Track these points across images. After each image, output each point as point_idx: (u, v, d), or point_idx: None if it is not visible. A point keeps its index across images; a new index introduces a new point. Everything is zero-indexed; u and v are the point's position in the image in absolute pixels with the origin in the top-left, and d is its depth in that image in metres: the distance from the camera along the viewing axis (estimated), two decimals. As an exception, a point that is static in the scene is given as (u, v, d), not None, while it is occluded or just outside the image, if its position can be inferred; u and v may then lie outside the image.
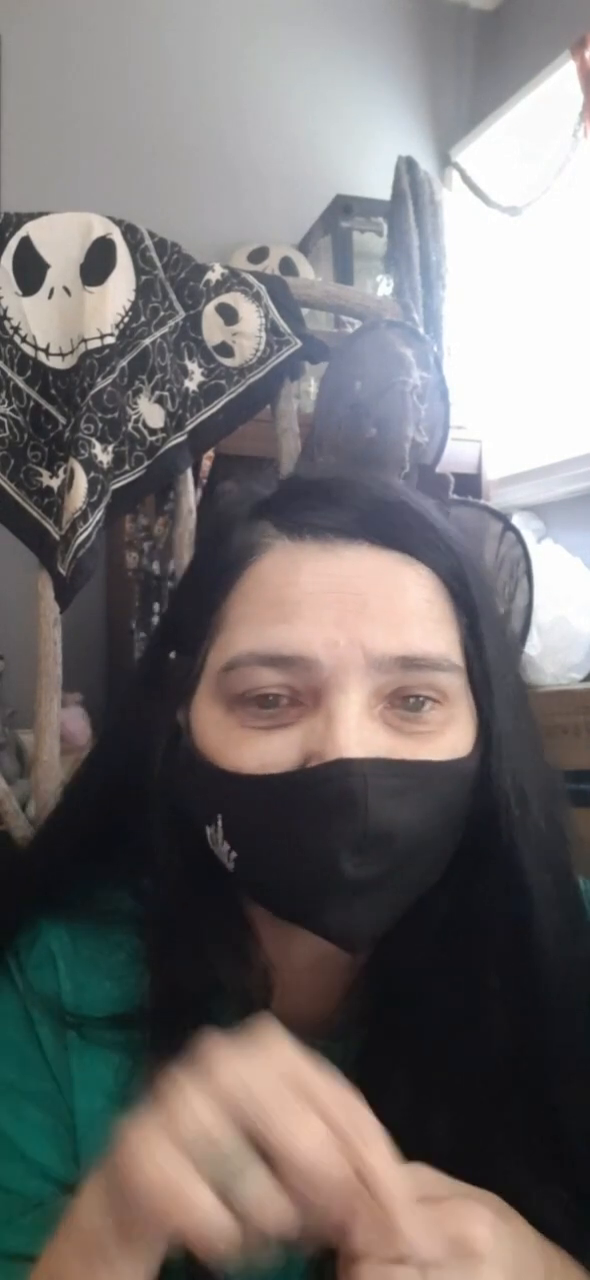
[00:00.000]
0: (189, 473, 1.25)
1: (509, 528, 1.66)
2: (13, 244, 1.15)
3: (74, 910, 0.59)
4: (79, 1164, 0.53)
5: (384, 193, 2.25)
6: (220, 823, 0.52)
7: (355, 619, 0.50)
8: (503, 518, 1.69)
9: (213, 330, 1.24)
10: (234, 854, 0.52)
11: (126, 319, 1.17)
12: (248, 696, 0.51)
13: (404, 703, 0.51)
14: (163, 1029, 0.53)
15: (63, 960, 0.57)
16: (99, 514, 1.13)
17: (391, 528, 0.53)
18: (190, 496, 1.24)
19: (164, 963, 0.55)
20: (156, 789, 0.56)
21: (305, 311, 1.31)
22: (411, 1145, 0.43)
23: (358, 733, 0.48)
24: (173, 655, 0.57)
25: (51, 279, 1.16)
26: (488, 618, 0.55)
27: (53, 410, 1.17)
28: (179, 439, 1.22)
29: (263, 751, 0.50)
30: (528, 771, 0.55)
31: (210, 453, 1.69)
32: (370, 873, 0.48)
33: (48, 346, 1.16)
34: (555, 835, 0.56)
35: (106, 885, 0.60)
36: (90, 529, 1.12)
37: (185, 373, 1.22)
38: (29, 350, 1.16)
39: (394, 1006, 0.55)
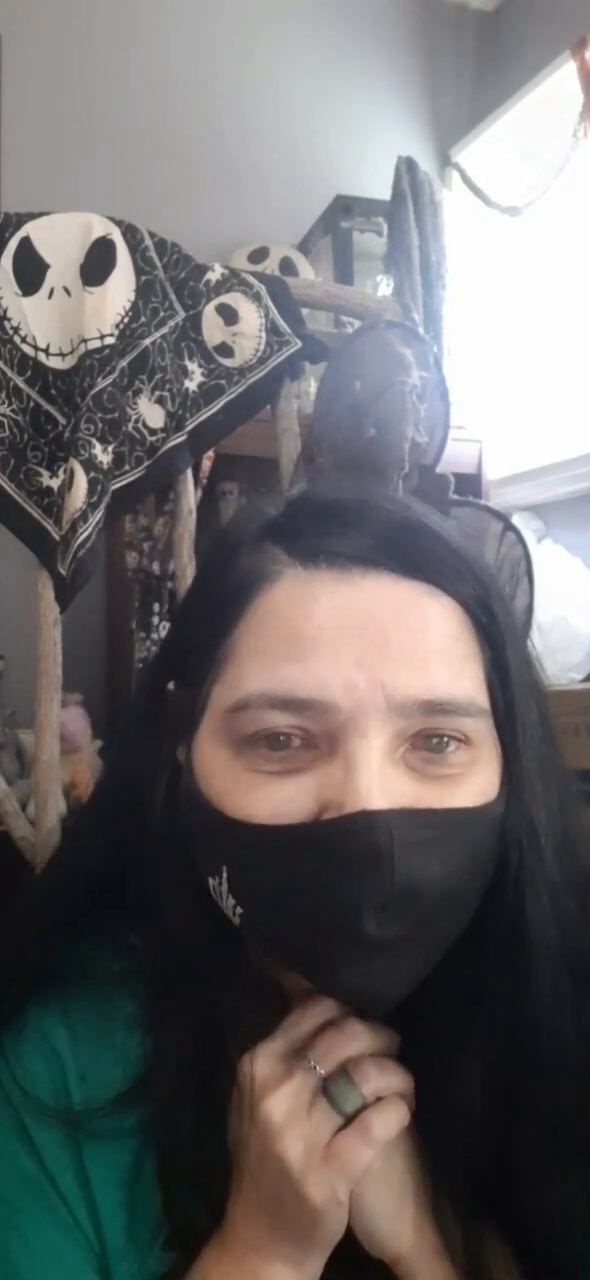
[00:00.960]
0: (189, 473, 1.25)
1: (509, 528, 1.66)
2: (13, 244, 1.15)
3: (63, 982, 0.54)
4: (108, 1258, 0.50)
5: (384, 193, 2.25)
6: (225, 874, 0.48)
7: (376, 658, 0.46)
8: (503, 518, 1.69)
9: (213, 330, 1.24)
10: (240, 910, 0.48)
11: (126, 319, 1.17)
12: (258, 737, 0.47)
13: (427, 744, 0.47)
14: (171, 1095, 0.50)
15: (64, 1054, 0.53)
16: (99, 514, 1.13)
17: (413, 554, 0.49)
18: (190, 496, 1.24)
19: (167, 1022, 0.52)
20: (157, 833, 0.52)
21: (305, 311, 1.31)
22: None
23: (380, 780, 0.45)
24: (171, 686, 0.53)
25: (51, 279, 1.16)
26: (513, 648, 0.51)
27: (53, 410, 1.17)
28: (179, 439, 1.22)
29: (275, 799, 0.46)
30: (547, 815, 0.51)
31: (210, 453, 1.69)
32: (395, 932, 0.44)
33: (48, 347, 1.16)
34: (574, 883, 0.52)
35: (90, 944, 0.56)
36: (90, 529, 1.12)
37: (185, 373, 1.22)
38: (29, 350, 1.16)
39: (402, 1053, 0.53)
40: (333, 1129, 0.47)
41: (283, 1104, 0.47)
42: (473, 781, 0.48)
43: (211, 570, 0.54)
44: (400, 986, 0.47)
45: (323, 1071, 0.48)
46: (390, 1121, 0.48)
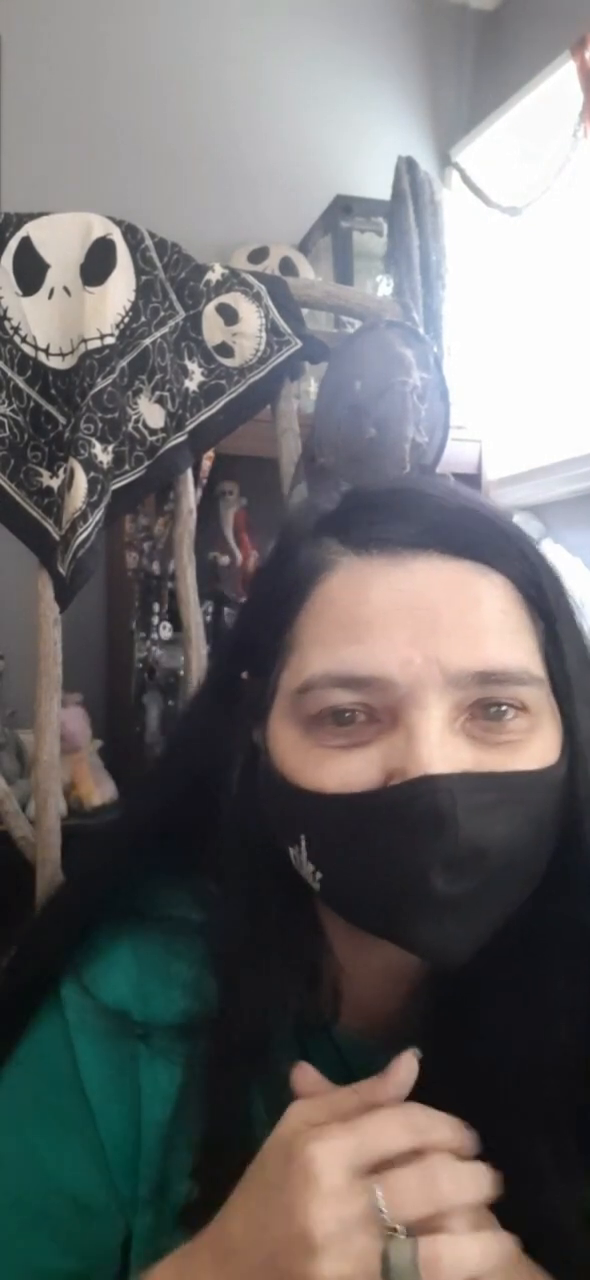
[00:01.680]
0: (189, 473, 1.25)
1: (509, 527, 1.66)
2: (13, 244, 1.15)
3: (135, 918, 0.58)
4: (138, 1176, 0.54)
5: (384, 193, 2.25)
6: (303, 843, 0.51)
7: (429, 635, 0.48)
8: (503, 518, 1.69)
9: (213, 330, 1.24)
10: (319, 874, 0.51)
11: (126, 319, 1.17)
12: (323, 715, 0.50)
13: (486, 713, 0.49)
14: (227, 1041, 0.53)
15: (129, 972, 0.56)
16: (99, 514, 1.13)
17: (461, 535, 0.51)
18: (190, 496, 1.24)
19: (232, 978, 0.55)
20: (233, 809, 0.56)
21: (305, 311, 1.31)
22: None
23: (441, 748, 0.47)
24: (245, 676, 0.57)
25: (51, 279, 1.16)
26: (566, 622, 0.54)
27: (53, 410, 1.17)
28: (179, 439, 1.22)
29: (344, 770, 0.49)
30: None
31: (210, 453, 1.69)
32: (463, 889, 0.47)
33: (48, 346, 1.16)
34: None
35: (166, 889, 0.59)
36: (90, 529, 1.12)
37: (185, 373, 1.22)
38: (29, 350, 1.16)
39: (451, 1015, 0.54)
40: None
41: (328, 1222, 0.42)
42: (532, 746, 0.50)
43: (274, 566, 0.58)
44: (472, 941, 0.49)
45: (388, 1218, 0.42)
46: None
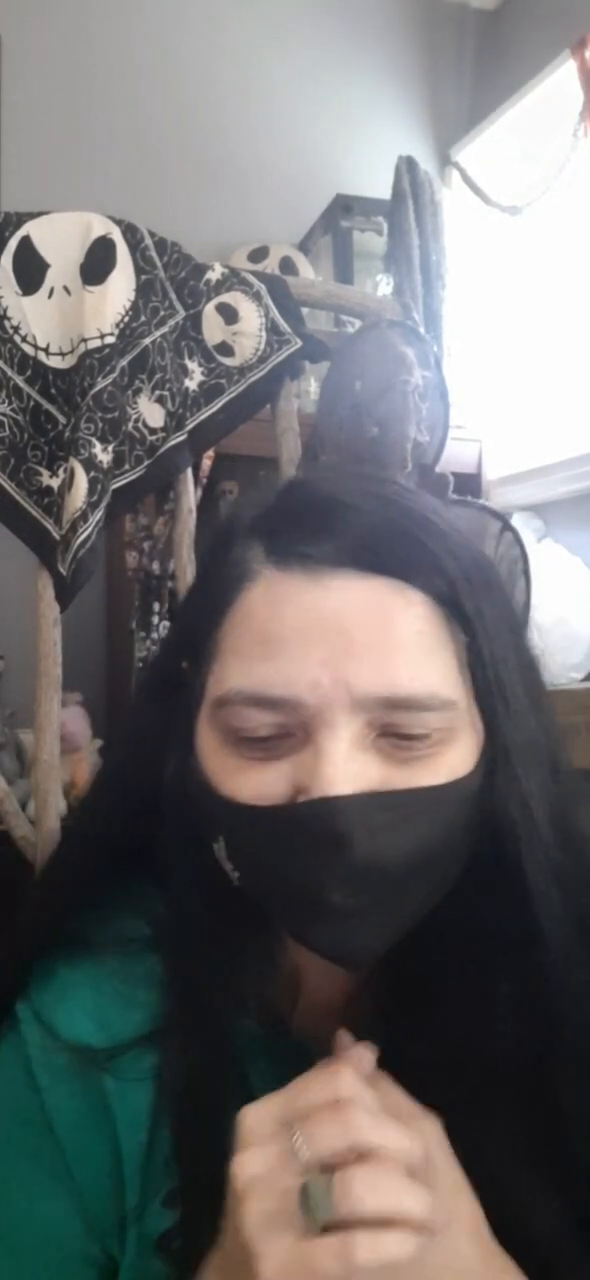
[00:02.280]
0: (189, 472, 1.25)
1: (507, 527, 1.66)
2: (13, 244, 1.15)
3: (88, 948, 0.59)
4: (125, 1204, 0.54)
5: (384, 193, 2.25)
6: (223, 842, 0.53)
7: (341, 657, 0.49)
8: (501, 517, 1.69)
9: (213, 330, 1.24)
10: (236, 873, 0.53)
11: (126, 318, 1.17)
12: (241, 735, 0.51)
13: (396, 731, 0.50)
14: (191, 1049, 0.54)
15: (87, 1005, 0.57)
16: (99, 514, 1.13)
17: (380, 554, 0.51)
18: (190, 496, 1.24)
19: (185, 976, 0.56)
20: (170, 800, 0.56)
21: (305, 311, 1.31)
22: None
23: (345, 768, 0.48)
24: (185, 665, 0.57)
25: (51, 278, 1.16)
26: (491, 631, 0.53)
27: (53, 410, 1.17)
28: (179, 438, 1.22)
29: (256, 783, 0.50)
30: (539, 786, 0.54)
31: (210, 452, 1.69)
32: (360, 901, 0.48)
33: (48, 346, 1.16)
34: (570, 850, 0.54)
35: (123, 913, 0.60)
36: (90, 529, 1.12)
37: (185, 372, 1.22)
38: (29, 350, 1.16)
39: (404, 1009, 0.55)
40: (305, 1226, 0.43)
41: (251, 1166, 0.44)
42: (444, 760, 0.51)
43: (210, 559, 0.59)
44: (373, 945, 0.50)
45: (305, 1155, 0.44)
46: (383, 1252, 0.42)
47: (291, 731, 0.50)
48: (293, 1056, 0.54)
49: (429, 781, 0.50)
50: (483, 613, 0.53)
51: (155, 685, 0.62)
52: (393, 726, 0.50)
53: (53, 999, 0.57)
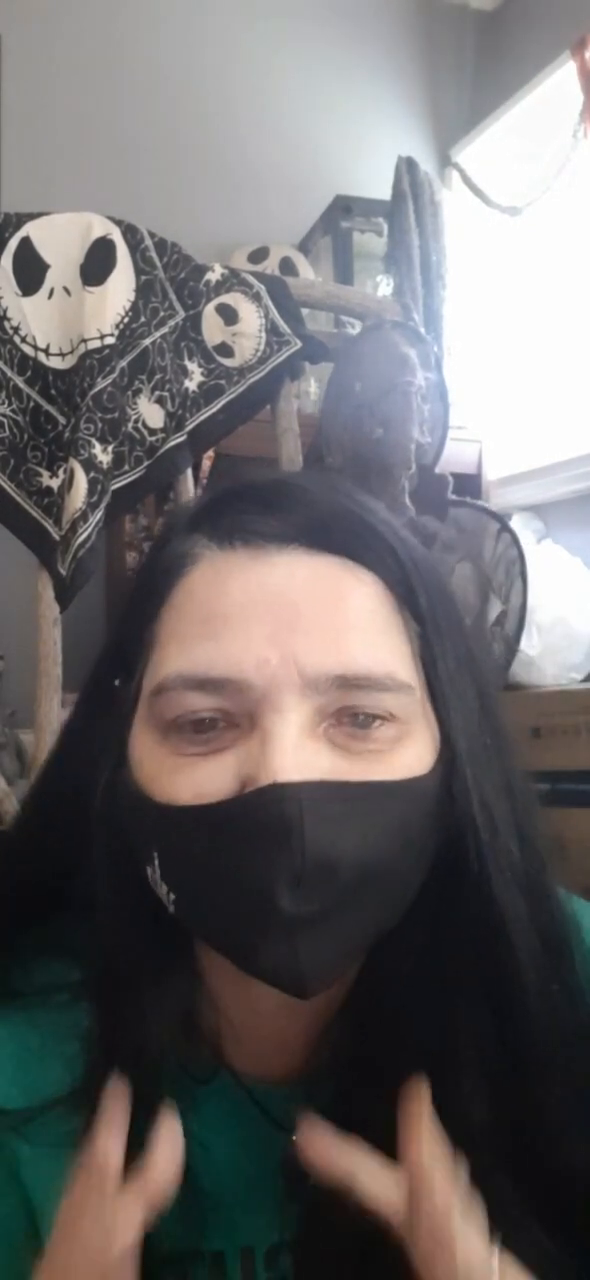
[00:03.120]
0: (189, 473, 1.25)
1: (505, 528, 1.66)
2: (13, 244, 1.15)
3: (11, 1000, 0.54)
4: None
5: (384, 193, 2.25)
6: (157, 861, 0.47)
7: (289, 633, 0.45)
8: (499, 518, 1.69)
9: (213, 330, 1.24)
10: (172, 895, 0.47)
11: (126, 319, 1.17)
12: (180, 721, 0.46)
13: (352, 720, 0.46)
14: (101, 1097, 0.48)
15: (8, 1062, 0.52)
16: (99, 514, 1.13)
17: (329, 532, 0.48)
18: (190, 496, 1.24)
19: (106, 1031, 0.51)
20: (99, 823, 0.51)
21: (305, 311, 1.31)
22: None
23: (294, 755, 0.44)
24: (118, 683, 0.53)
25: (51, 279, 1.16)
26: (441, 626, 0.51)
27: (53, 410, 1.17)
28: (179, 439, 1.22)
29: (198, 780, 0.45)
30: (497, 788, 0.51)
31: (210, 453, 1.69)
32: (312, 908, 0.43)
33: (48, 346, 1.16)
34: (530, 857, 0.51)
35: (50, 957, 0.55)
36: (90, 529, 1.12)
37: (185, 373, 1.22)
38: (29, 350, 1.16)
39: (368, 1046, 0.51)
40: None
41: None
42: (400, 756, 0.47)
43: (146, 560, 0.55)
44: (328, 966, 0.46)
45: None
46: None
47: (235, 721, 0.46)
48: (231, 1103, 0.52)
49: (386, 776, 0.46)
50: (434, 604, 0.51)
51: (84, 706, 0.57)
52: (348, 709, 0.46)
53: None
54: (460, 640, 0.52)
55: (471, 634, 0.55)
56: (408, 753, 0.47)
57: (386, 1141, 0.46)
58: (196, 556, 0.50)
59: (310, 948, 0.44)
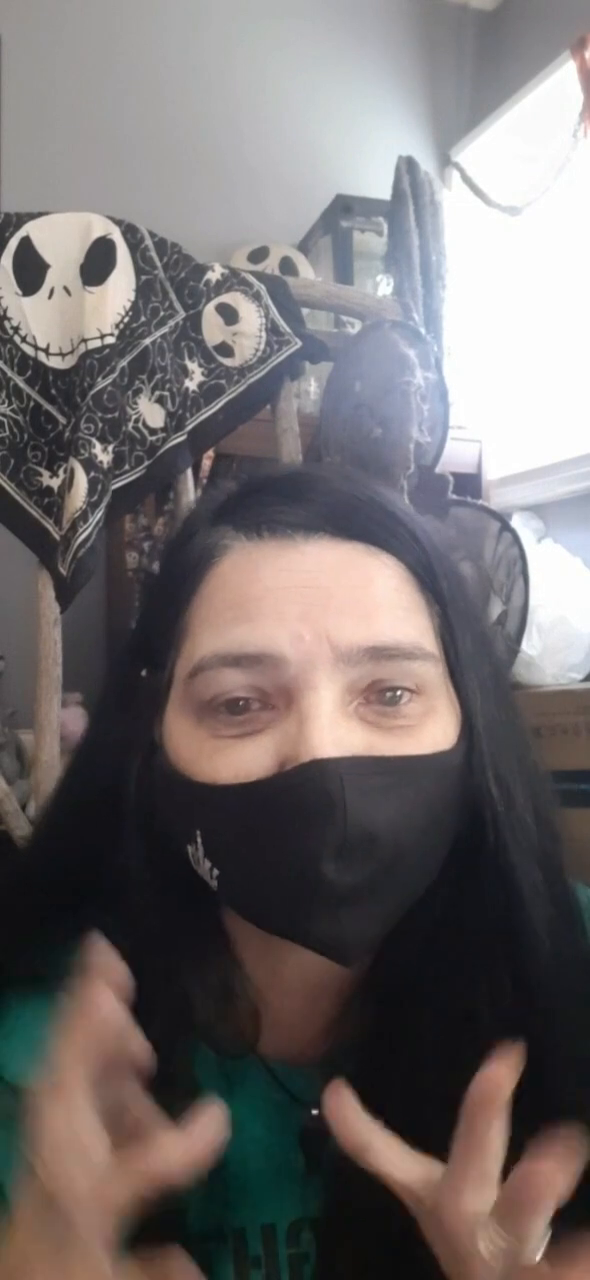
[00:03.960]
0: (189, 473, 1.25)
1: (506, 528, 1.66)
2: (13, 244, 1.15)
3: (37, 982, 0.54)
4: None
5: (384, 193, 2.25)
6: (200, 839, 0.49)
7: (320, 612, 0.48)
8: (500, 518, 1.69)
9: (213, 330, 1.24)
10: (216, 871, 0.49)
11: (126, 319, 1.17)
12: (216, 703, 0.48)
13: (380, 697, 0.48)
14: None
15: (31, 1042, 0.51)
16: (99, 514, 1.13)
17: (353, 519, 0.51)
18: (190, 496, 1.24)
19: (140, 1006, 0.51)
20: (131, 812, 0.53)
21: (305, 311, 1.31)
22: (417, 1151, 0.43)
23: (331, 731, 0.46)
24: (144, 673, 0.55)
25: (51, 279, 1.16)
26: (459, 607, 0.53)
27: (53, 410, 1.17)
28: (179, 439, 1.22)
29: (237, 760, 0.48)
30: (512, 765, 0.53)
31: (210, 452, 1.69)
32: (355, 878, 0.46)
33: (48, 346, 1.16)
34: (543, 831, 0.54)
35: (67, 939, 0.54)
36: (90, 529, 1.12)
37: (185, 372, 1.22)
38: (29, 350, 1.16)
39: (389, 1022, 0.52)
40: None
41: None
42: (427, 731, 0.49)
43: (170, 554, 0.57)
44: (369, 933, 0.48)
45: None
46: None
47: (271, 702, 0.48)
48: (258, 1084, 0.53)
49: (415, 751, 0.48)
50: (454, 589, 0.53)
51: (110, 699, 0.58)
52: (378, 683, 0.48)
53: (0, 1038, 0.53)
54: (476, 622, 0.55)
55: (487, 625, 0.58)
56: (434, 727, 0.50)
57: (406, 1113, 0.47)
58: (225, 548, 0.52)
59: (353, 916, 0.46)
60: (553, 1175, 0.39)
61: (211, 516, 0.54)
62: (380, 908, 0.48)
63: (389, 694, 0.48)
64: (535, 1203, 0.39)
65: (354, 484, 0.54)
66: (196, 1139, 0.41)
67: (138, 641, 0.58)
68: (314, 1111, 0.52)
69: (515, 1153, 0.48)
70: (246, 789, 0.47)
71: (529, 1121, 0.50)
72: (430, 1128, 0.47)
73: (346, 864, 0.45)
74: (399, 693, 0.49)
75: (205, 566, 0.52)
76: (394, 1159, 0.43)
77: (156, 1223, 0.43)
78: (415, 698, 0.49)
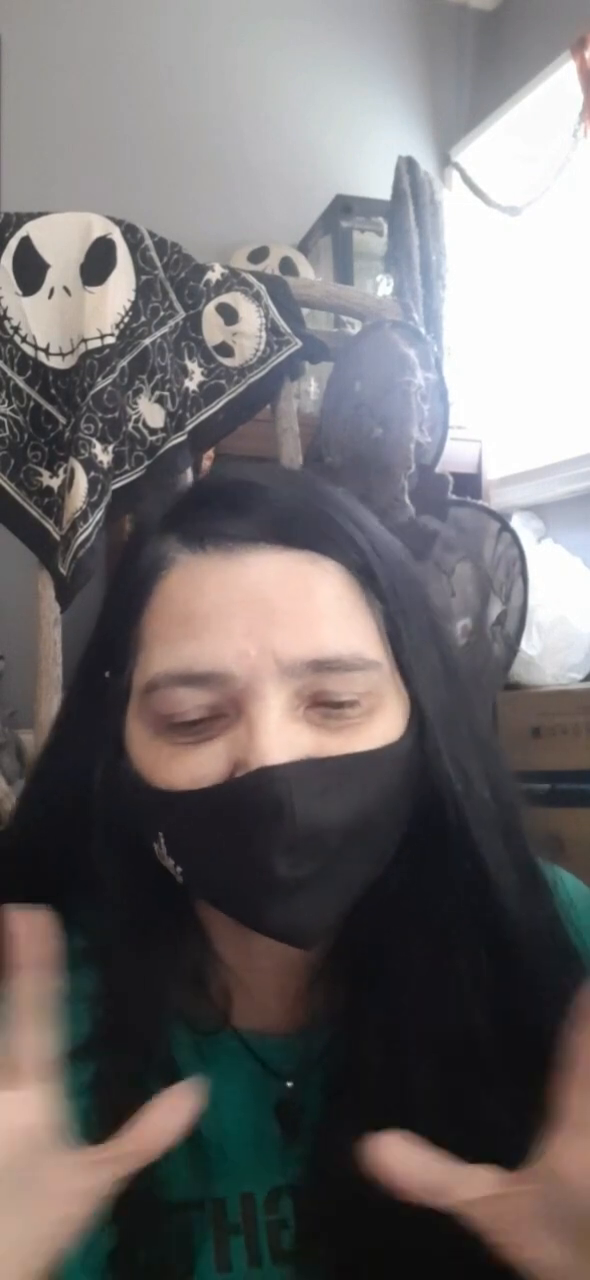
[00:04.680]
0: (189, 472, 1.25)
1: (505, 528, 1.66)
2: (13, 244, 1.15)
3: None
4: None
5: (384, 193, 2.25)
6: (162, 839, 0.52)
7: (265, 627, 0.49)
8: (500, 518, 1.69)
9: (213, 330, 1.24)
10: (179, 868, 0.52)
11: (126, 319, 1.17)
12: (172, 720, 0.51)
13: (326, 704, 0.51)
14: (118, 1056, 0.52)
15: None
16: (99, 514, 1.13)
17: (294, 529, 0.52)
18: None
19: (116, 987, 0.55)
20: (99, 810, 0.55)
21: (305, 311, 1.31)
22: (394, 1119, 0.43)
23: (278, 737, 0.48)
24: (107, 674, 0.56)
25: (51, 279, 1.17)
26: (405, 602, 0.55)
27: (53, 410, 1.17)
28: (179, 439, 1.22)
29: (192, 766, 0.50)
30: (466, 745, 0.55)
31: (210, 452, 1.69)
32: (306, 871, 0.48)
33: (48, 346, 1.16)
34: (502, 803, 0.56)
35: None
36: (90, 529, 1.12)
37: (185, 372, 1.22)
38: (29, 350, 1.16)
39: (362, 989, 0.55)
40: None
41: None
42: (373, 727, 0.51)
43: (124, 560, 0.58)
44: (324, 918, 0.50)
45: None
46: None
47: (222, 711, 0.50)
48: (234, 1057, 0.55)
49: (362, 747, 0.50)
50: (395, 583, 0.54)
51: (78, 697, 0.61)
52: (322, 694, 0.50)
53: None
54: (422, 613, 0.57)
55: (436, 612, 0.60)
56: (381, 722, 0.52)
57: (384, 1077, 0.50)
58: (171, 561, 0.53)
59: (307, 905, 0.49)
60: None
61: (159, 525, 0.56)
62: (334, 894, 0.50)
63: (335, 704, 0.50)
64: None
65: (297, 489, 0.56)
66: (172, 1111, 0.43)
67: (100, 642, 0.59)
68: (289, 1084, 0.56)
69: (497, 1106, 0.50)
70: (202, 794, 0.49)
71: (507, 1071, 0.51)
72: (407, 1087, 0.50)
73: (297, 859, 0.48)
74: (343, 701, 0.51)
75: (153, 579, 0.54)
76: (469, 1178, 0.41)
77: (135, 1193, 0.44)
78: (361, 698, 0.51)
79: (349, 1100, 0.52)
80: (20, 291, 1.15)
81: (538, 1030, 0.50)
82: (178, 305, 1.23)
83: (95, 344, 1.14)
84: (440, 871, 0.53)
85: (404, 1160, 0.42)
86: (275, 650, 0.49)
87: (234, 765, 0.49)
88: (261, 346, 1.25)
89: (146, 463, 1.20)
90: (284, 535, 0.52)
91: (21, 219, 1.17)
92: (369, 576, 0.53)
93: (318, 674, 0.50)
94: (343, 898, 0.51)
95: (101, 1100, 0.52)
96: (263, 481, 0.55)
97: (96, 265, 1.17)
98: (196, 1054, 0.55)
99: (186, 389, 1.22)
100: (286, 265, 2.20)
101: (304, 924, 0.49)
